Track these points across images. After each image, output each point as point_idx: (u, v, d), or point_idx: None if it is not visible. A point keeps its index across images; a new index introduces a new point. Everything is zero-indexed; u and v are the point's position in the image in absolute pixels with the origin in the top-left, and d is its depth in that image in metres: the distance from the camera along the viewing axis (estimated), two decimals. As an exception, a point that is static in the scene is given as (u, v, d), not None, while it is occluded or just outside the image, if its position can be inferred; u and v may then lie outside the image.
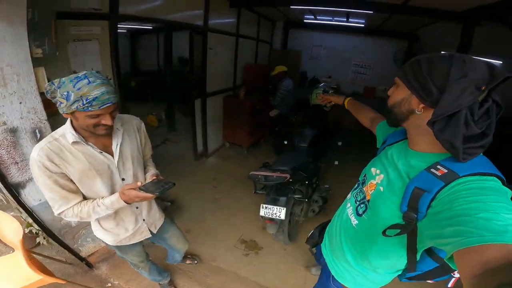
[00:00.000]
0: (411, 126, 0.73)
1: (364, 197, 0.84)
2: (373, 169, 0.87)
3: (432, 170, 0.63)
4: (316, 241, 1.21)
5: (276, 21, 5.92)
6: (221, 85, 4.27)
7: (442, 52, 0.64)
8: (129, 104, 4.12)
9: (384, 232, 0.70)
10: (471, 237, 0.45)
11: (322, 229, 1.22)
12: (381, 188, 0.77)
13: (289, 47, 6.26)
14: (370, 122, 1.21)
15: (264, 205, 2.13)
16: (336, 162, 3.46)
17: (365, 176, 0.91)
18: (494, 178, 0.57)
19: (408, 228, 0.66)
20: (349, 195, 0.99)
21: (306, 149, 2.91)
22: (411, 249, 0.71)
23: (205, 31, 3.58)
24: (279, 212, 2.08)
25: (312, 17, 5.07)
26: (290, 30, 6.21)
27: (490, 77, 0.55)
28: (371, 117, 1.22)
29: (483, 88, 0.56)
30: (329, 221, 1.17)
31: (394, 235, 0.69)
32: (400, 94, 0.71)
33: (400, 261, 0.80)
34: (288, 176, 2.09)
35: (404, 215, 0.66)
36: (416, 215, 0.63)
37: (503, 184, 0.57)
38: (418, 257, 0.74)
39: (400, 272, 0.88)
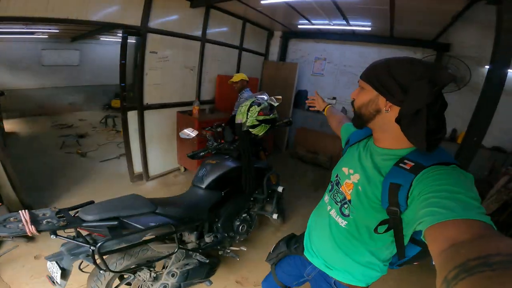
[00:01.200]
0: (377, 125, 0.78)
1: (345, 197, 0.85)
2: (344, 169, 0.89)
3: (401, 164, 0.69)
4: (283, 253, 1.19)
5: (274, 30, 5.12)
6: (173, 98, 3.60)
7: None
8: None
9: (376, 230, 0.74)
10: (437, 215, 0.49)
11: (289, 239, 1.21)
12: (359, 188, 0.80)
13: (289, 60, 5.36)
14: (337, 124, 1.26)
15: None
16: (275, 216, 2.42)
17: (337, 176, 0.92)
18: (454, 166, 0.63)
19: (394, 222, 0.70)
20: (326, 197, 0.99)
21: (200, 194, 1.91)
22: (399, 240, 0.75)
23: (144, 32, 2.99)
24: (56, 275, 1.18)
25: (307, 21, 4.15)
26: (291, 41, 5.35)
27: (442, 79, 0.63)
28: (339, 120, 1.27)
29: (436, 88, 0.63)
30: (293, 234, 1.25)
31: (384, 231, 0.73)
32: (366, 96, 0.76)
33: (391, 252, 0.85)
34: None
35: (387, 210, 0.70)
36: (398, 209, 0.67)
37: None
38: (405, 243, 0.77)
39: (390, 260, 0.90)
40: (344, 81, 5.03)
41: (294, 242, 1.17)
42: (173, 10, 3.24)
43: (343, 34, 4.56)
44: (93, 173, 3.67)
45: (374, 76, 0.72)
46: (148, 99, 3.27)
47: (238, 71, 4.58)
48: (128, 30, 2.90)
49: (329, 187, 0.98)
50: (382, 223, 0.73)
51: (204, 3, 3.43)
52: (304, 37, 5.10)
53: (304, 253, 1.06)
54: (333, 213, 0.91)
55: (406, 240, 0.75)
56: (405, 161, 0.69)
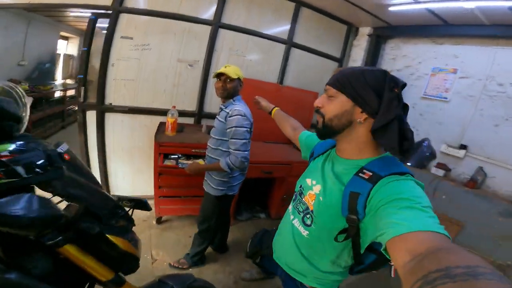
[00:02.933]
0: (344, 137, 0.78)
1: (307, 208, 0.87)
2: (308, 180, 0.90)
3: (360, 174, 0.71)
4: (257, 250, 1.22)
5: (358, 24, 3.22)
6: (156, 101, 2.57)
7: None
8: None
9: (336, 239, 0.77)
10: (396, 227, 0.51)
11: (261, 236, 1.25)
12: (321, 198, 0.82)
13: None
14: (292, 131, 1.26)
15: None
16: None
17: (301, 187, 0.94)
18: (408, 175, 0.67)
19: (353, 231, 0.73)
20: (290, 207, 1.01)
21: None
22: (356, 248, 0.78)
23: (116, 11, 2.16)
24: None
25: (410, 0, 2.15)
26: (388, 42, 3.22)
27: (400, 86, 0.70)
28: (294, 126, 1.28)
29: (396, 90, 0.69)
30: (265, 230, 1.29)
31: (343, 240, 0.76)
32: (340, 106, 0.74)
33: (350, 259, 0.86)
34: None
35: (346, 218, 0.72)
36: (356, 217, 0.69)
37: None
38: (362, 251, 0.78)
39: (349, 265, 0.90)
40: (494, 115, 2.40)
41: (266, 242, 1.18)
42: None
43: (497, 25, 2.19)
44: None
45: (349, 85, 0.72)
46: (112, 98, 2.38)
47: (282, 78, 3.02)
48: (96, 11, 2.15)
49: (293, 197, 0.99)
50: (342, 232, 0.75)
51: None
52: (413, 35, 2.91)
53: (273, 256, 1.07)
54: (295, 222, 0.92)
55: (363, 248, 0.76)
56: (364, 170, 0.71)
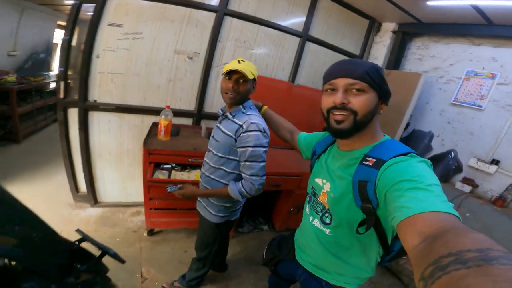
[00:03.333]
0: (363, 130, 0.76)
1: (324, 207, 0.87)
2: (317, 180, 0.90)
3: (364, 162, 0.71)
4: (274, 256, 1.16)
5: (381, 20, 2.85)
6: (148, 99, 2.24)
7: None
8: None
9: (357, 231, 0.74)
10: (404, 209, 0.51)
11: (279, 241, 1.19)
12: (332, 195, 0.82)
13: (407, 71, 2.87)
14: (289, 135, 1.22)
15: None
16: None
17: (313, 188, 0.94)
18: (412, 154, 0.67)
19: (371, 220, 0.71)
20: (307, 209, 0.99)
21: None
22: (381, 236, 0.77)
23: None
24: None
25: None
26: (414, 41, 2.86)
27: None
28: (290, 130, 1.23)
29: None
30: (282, 236, 1.22)
31: (365, 231, 0.73)
32: (372, 101, 0.72)
33: (380, 250, 0.84)
34: None
35: (362, 208, 0.71)
36: (371, 205, 0.69)
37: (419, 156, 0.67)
38: (389, 241, 0.78)
39: (379, 260, 0.89)
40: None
41: (285, 246, 1.14)
42: None
43: None
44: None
45: (370, 77, 0.70)
46: (98, 94, 2.05)
47: (294, 74, 2.66)
48: None
49: (307, 199, 0.99)
50: (361, 223, 0.74)
51: None
52: (447, 33, 2.54)
53: (295, 257, 1.04)
54: (316, 223, 0.91)
55: (389, 235, 0.75)
56: (368, 158, 0.71)
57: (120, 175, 2.40)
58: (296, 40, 2.55)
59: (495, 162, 2.25)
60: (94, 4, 1.82)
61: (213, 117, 2.48)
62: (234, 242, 2.30)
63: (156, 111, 2.18)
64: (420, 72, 2.73)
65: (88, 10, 1.85)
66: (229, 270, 2.02)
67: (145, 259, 1.99)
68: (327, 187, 0.85)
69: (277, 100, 2.51)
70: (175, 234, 2.29)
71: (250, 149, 1.17)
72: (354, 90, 0.71)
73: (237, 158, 1.25)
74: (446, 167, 2.51)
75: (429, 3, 2.11)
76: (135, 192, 2.47)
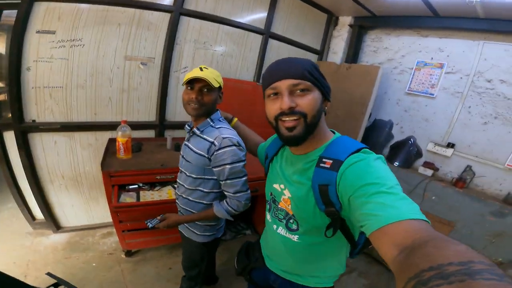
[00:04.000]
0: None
1: (287, 213, 0.83)
2: (276, 185, 0.86)
3: (321, 165, 0.68)
4: (246, 265, 1.09)
5: (338, 13, 2.88)
6: (101, 113, 1.98)
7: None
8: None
9: (325, 235, 0.74)
10: (373, 219, 0.49)
11: (246, 249, 1.14)
12: (295, 201, 0.78)
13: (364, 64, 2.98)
14: (253, 146, 1.17)
15: None
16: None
17: (271, 194, 0.89)
18: (365, 149, 0.66)
19: (337, 223, 0.70)
20: (268, 217, 0.94)
21: None
22: (348, 235, 0.76)
23: (28, 1, 1.48)
24: None
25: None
26: (369, 33, 2.96)
27: None
28: (256, 143, 1.17)
29: None
30: (248, 243, 1.16)
31: (332, 234, 0.73)
32: (317, 100, 0.69)
33: (347, 247, 0.85)
34: None
35: (326, 212, 0.69)
36: (334, 208, 0.67)
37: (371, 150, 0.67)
38: (356, 238, 0.78)
39: (348, 255, 0.89)
40: (483, 112, 2.30)
41: (252, 254, 1.09)
42: None
43: (490, 19, 2.07)
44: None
45: (311, 75, 0.67)
46: (36, 113, 1.75)
47: (259, 74, 2.58)
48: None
49: (267, 206, 0.94)
50: (328, 227, 0.73)
51: None
52: (397, 25, 2.67)
53: (266, 264, 1.00)
54: (281, 231, 0.87)
55: (356, 233, 0.75)
56: (324, 160, 0.68)
57: (81, 198, 2.14)
58: (258, 38, 2.46)
59: (450, 145, 2.45)
60: (16, 10, 1.51)
61: (178, 126, 2.31)
62: (220, 251, 2.21)
63: (111, 126, 1.96)
64: (376, 64, 2.85)
65: (11, 16, 1.53)
66: (220, 281, 1.94)
67: (130, 282, 1.83)
68: (287, 193, 0.81)
69: (243, 101, 2.42)
70: (155, 252, 2.14)
71: (228, 166, 1.07)
72: (299, 91, 0.67)
73: (214, 177, 1.16)
74: (408, 153, 2.68)
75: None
76: (102, 213, 2.24)
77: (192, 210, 1.24)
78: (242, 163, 1.10)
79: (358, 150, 0.66)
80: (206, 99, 1.07)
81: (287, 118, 0.67)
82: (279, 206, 0.85)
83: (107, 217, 2.13)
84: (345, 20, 2.90)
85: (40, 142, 1.84)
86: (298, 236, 0.82)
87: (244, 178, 1.13)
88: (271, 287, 1.02)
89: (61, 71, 1.73)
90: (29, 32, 1.58)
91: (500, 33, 2.13)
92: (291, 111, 0.66)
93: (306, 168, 0.74)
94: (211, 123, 1.13)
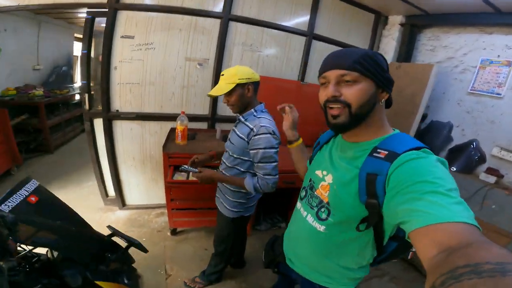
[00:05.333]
0: (365, 122, 0.72)
1: (321, 201, 0.81)
2: (318, 172, 0.85)
3: (375, 154, 0.66)
4: (272, 257, 1.10)
5: (388, 13, 2.82)
6: (165, 106, 2.39)
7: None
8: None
9: (357, 228, 0.72)
10: (422, 216, 0.47)
11: (273, 243, 1.14)
12: (335, 187, 0.76)
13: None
14: (304, 170, 1.09)
15: None
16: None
17: (310, 180, 0.88)
18: (426, 149, 0.63)
19: (374, 218, 0.67)
20: (298, 204, 0.94)
21: None
22: (379, 236, 0.74)
23: (113, 9, 1.98)
24: None
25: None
26: (424, 32, 2.79)
27: None
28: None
29: None
30: (276, 236, 1.16)
31: (366, 228, 0.71)
32: (367, 90, 0.68)
33: (374, 250, 0.80)
34: None
35: (366, 204, 0.67)
36: (377, 201, 0.64)
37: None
38: (385, 242, 0.75)
39: (371, 261, 0.86)
40: None
41: (277, 248, 1.09)
42: None
43: None
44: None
45: (361, 66, 0.66)
46: (119, 104, 2.22)
47: (303, 74, 2.71)
48: (92, 10, 1.96)
49: (302, 193, 0.93)
50: (363, 220, 0.71)
51: None
52: (456, 23, 2.47)
53: (286, 261, 1.00)
54: (309, 218, 0.85)
55: (387, 236, 0.73)
56: (378, 150, 0.67)
57: (144, 179, 2.56)
58: (302, 40, 2.59)
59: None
60: (105, 18, 1.97)
61: (227, 120, 2.58)
62: (252, 240, 2.36)
63: (173, 117, 2.30)
64: (433, 63, 2.67)
65: (101, 22, 2.01)
66: (247, 267, 2.09)
67: (169, 257, 2.11)
68: (328, 178, 0.79)
69: (287, 100, 2.52)
70: (196, 233, 2.40)
71: (261, 151, 1.24)
72: (346, 81, 0.68)
73: (250, 159, 1.34)
74: (469, 157, 2.42)
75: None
76: (159, 194, 2.62)
77: (228, 187, 1.44)
78: (274, 150, 1.26)
79: (418, 148, 0.63)
80: (232, 100, 1.30)
81: (332, 105, 0.70)
82: (315, 193, 0.84)
83: (162, 199, 2.49)
84: (396, 19, 2.81)
85: (120, 128, 2.30)
86: (325, 227, 0.80)
87: (274, 164, 1.28)
88: (292, 279, 1.04)
89: (138, 70, 2.15)
90: (116, 37, 2.03)
91: None
92: (335, 99, 0.69)
93: (357, 156, 0.73)
94: (254, 113, 1.33)
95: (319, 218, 0.81)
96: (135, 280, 1.07)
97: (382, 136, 0.71)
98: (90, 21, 2.02)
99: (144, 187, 2.59)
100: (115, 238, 1.18)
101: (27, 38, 3.84)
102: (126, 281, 1.00)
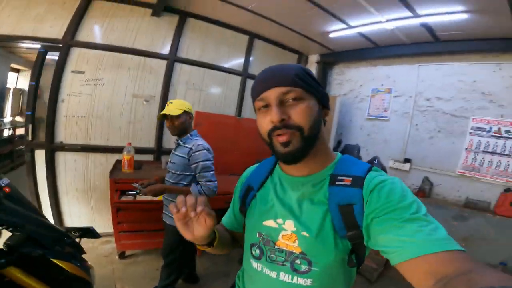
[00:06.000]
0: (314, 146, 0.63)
1: (291, 253, 0.65)
2: (268, 222, 0.70)
3: (338, 183, 0.61)
4: None
5: (308, 52, 3.56)
6: (111, 139, 2.54)
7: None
8: None
9: (350, 263, 0.64)
10: (409, 247, 0.47)
11: None
12: (304, 233, 0.63)
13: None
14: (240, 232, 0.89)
15: None
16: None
17: (261, 235, 0.70)
18: (375, 168, 0.62)
19: (362, 246, 0.61)
20: (255, 265, 0.71)
21: None
22: (360, 260, 0.66)
23: (67, 45, 2.17)
24: None
25: (340, 23, 2.46)
26: (334, 68, 3.59)
27: None
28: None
29: None
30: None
31: (357, 261, 0.64)
32: (312, 109, 0.60)
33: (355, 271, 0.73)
34: None
35: (348, 237, 0.59)
36: (358, 230, 0.58)
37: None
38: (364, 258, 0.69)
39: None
40: (428, 128, 2.73)
41: None
42: (122, 19, 2.39)
43: (416, 43, 2.56)
44: None
45: (302, 81, 0.59)
46: (63, 136, 2.30)
47: (240, 110, 3.16)
48: (46, 44, 2.13)
49: (255, 251, 0.72)
50: (351, 253, 0.62)
51: (174, 10, 2.52)
52: (353, 59, 3.27)
53: None
54: (285, 277, 0.67)
55: (367, 253, 0.65)
56: (339, 177, 0.61)
57: (87, 210, 2.56)
58: (238, 79, 3.10)
59: (407, 160, 2.85)
60: (58, 53, 2.16)
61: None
62: (203, 260, 2.48)
63: (119, 150, 2.46)
64: (341, 94, 3.40)
65: (52, 55, 2.18)
66: (201, 283, 2.21)
67: (118, 278, 2.13)
68: (289, 226, 0.66)
69: (226, 134, 2.90)
70: (146, 256, 2.45)
71: (201, 163, 1.59)
72: (290, 100, 0.59)
73: (191, 173, 1.65)
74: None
75: (330, 35, 2.79)
76: (104, 224, 2.62)
77: (174, 200, 1.68)
78: (210, 161, 1.62)
79: (370, 169, 0.61)
80: (176, 124, 1.62)
81: (280, 132, 0.58)
82: (276, 247, 0.68)
83: (108, 227, 2.49)
84: (313, 58, 3.56)
85: (63, 160, 2.36)
86: (312, 279, 0.65)
87: (212, 172, 1.63)
88: None
89: (86, 104, 2.32)
90: (66, 71, 2.20)
91: (430, 55, 2.65)
92: (284, 125, 0.58)
93: (316, 190, 0.64)
94: (190, 137, 1.68)
95: (298, 272, 0.66)
96: (87, 268, 1.27)
97: (332, 163, 0.65)
98: (42, 54, 2.17)
99: (87, 217, 2.58)
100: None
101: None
102: (79, 265, 1.19)
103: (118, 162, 2.44)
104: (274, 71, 0.60)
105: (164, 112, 1.61)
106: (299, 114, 0.58)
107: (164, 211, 1.82)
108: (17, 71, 5.66)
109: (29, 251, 1.04)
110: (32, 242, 1.08)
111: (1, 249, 1.05)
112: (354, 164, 0.64)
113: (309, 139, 0.59)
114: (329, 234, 0.61)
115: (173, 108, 1.60)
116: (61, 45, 2.17)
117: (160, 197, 2.17)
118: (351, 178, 0.60)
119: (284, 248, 0.67)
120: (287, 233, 0.66)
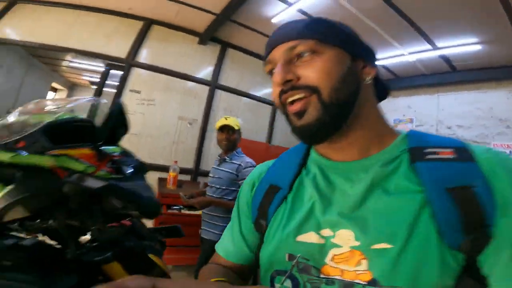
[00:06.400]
0: (355, 117, 0.41)
1: (351, 284, 0.35)
2: (309, 236, 0.40)
3: (430, 156, 0.36)
4: None
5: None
6: (157, 157, 2.70)
7: None
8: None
9: None
10: None
11: None
12: (381, 245, 0.34)
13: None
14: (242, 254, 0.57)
15: None
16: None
17: (293, 257, 0.41)
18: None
19: (475, 263, 0.33)
20: None
21: None
22: None
23: (128, 66, 2.48)
24: None
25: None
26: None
27: None
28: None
29: None
30: None
31: None
32: (335, 63, 0.39)
33: None
34: None
35: (466, 246, 0.32)
36: (485, 235, 0.32)
37: None
38: None
39: None
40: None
41: None
42: (175, 44, 2.74)
43: (435, 74, 2.82)
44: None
45: (317, 31, 0.40)
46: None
47: (270, 137, 3.35)
48: (110, 62, 2.45)
49: (281, 286, 0.42)
50: (463, 275, 0.32)
51: (218, 40, 2.87)
52: None
53: None
54: None
55: None
56: (429, 150, 0.37)
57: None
58: (269, 108, 3.35)
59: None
60: (122, 72, 2.42)
61: (208, 174, 2.95)
62: None
63: (161, 168, 2.59)
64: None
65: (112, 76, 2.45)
66: None
67: None
68: (346, 238, 0.38)
69: (257, 159, 3.00)
70: (177, 272, 2.39)
71: None
72: (305, 55, 0.40)
73: (237, 189, 1.72)
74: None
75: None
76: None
77: (217, 214, 1.74)
78: None
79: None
80: (232, 137, 1.73)
81: (290, 98, 0.40)
82: (322, 275, 0.39)
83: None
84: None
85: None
86: None
87: None
88: None
89: (139, 122, 2.52)
90: (125, 89, 2.45)
91: (448, 84, 2.85)
92: (291, 86, 0.40)
93: (390, 173, 0.38)
94: (237, 154, 1.76)
95: None
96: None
97: (398, 137, 0.41)
98: (106, 73, 2.45)
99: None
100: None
101: (13, 79, 3.58)
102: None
103: (161, 180, 2.54)
104: (283, 27, 0.45)
105: (224, 123, 1.72)
106: (311, 71, 0.39)
107: (202, 227, 1.83)
108: (55, 90, 5.76)
109: (133, 245, 0.88)
110: (134, 236, 0.96)
111: (104, 242, 0.85)
112: (437, 137, 0.41)
113: (331, 105, 0.38)
114: (429, 241, 0.33)
115: (232, 122, 1.73)
116: (124, 64, 2.44)
117: (200, 212, 2.23)
118: (452, 150, 0.36)
119: (338, 278, 0.38)
120: (343, 251, 0.39)
